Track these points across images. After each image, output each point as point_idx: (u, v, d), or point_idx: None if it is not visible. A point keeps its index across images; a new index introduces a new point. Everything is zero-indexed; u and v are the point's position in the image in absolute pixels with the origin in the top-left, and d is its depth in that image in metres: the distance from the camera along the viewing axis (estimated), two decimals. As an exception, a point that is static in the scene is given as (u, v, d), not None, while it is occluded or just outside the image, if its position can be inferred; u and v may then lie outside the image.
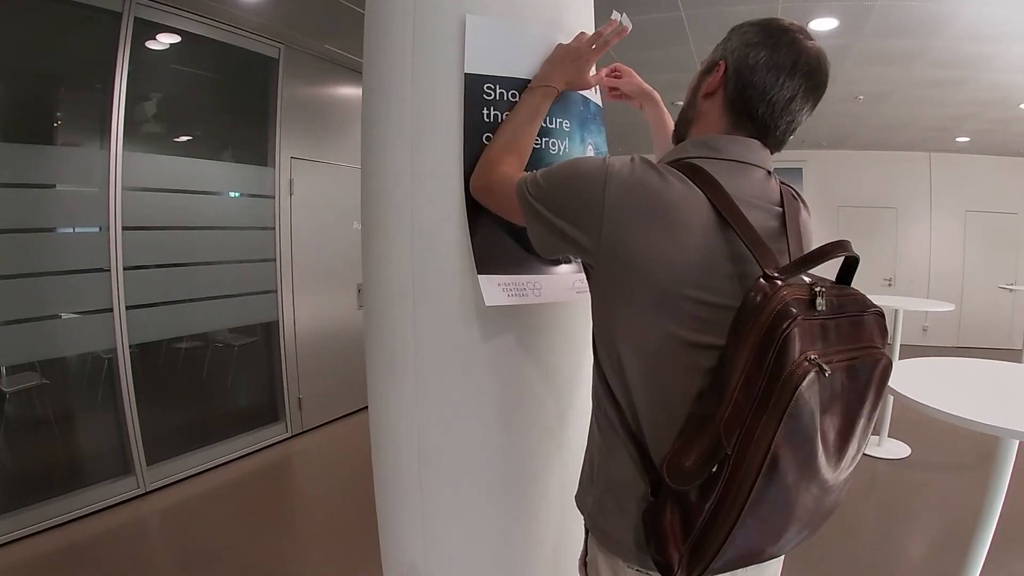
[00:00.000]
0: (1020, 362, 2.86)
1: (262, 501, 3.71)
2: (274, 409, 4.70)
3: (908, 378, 2.25)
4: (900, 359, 3.69)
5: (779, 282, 0.77)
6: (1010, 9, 3.53)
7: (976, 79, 4.90)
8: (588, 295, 1.35)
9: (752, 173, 0.96)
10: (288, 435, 4.69)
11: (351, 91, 5.17)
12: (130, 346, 3.58)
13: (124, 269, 3.53)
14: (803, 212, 1.03)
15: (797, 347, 0.73)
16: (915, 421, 1.99)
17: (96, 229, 3.48)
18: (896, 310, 4.47)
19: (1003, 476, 2.10)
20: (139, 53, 3.62)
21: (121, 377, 3.55)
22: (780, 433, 0.72)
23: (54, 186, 3.35)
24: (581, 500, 1.08)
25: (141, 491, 3.63)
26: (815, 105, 0.98)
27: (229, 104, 4.60)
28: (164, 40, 3.86)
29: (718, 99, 0.99)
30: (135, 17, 3.52)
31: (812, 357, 0.72)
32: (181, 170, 3.95)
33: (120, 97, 3.48)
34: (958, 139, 7.49)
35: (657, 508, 0.86)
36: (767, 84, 0.93)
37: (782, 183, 1.02)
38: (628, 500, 0.94)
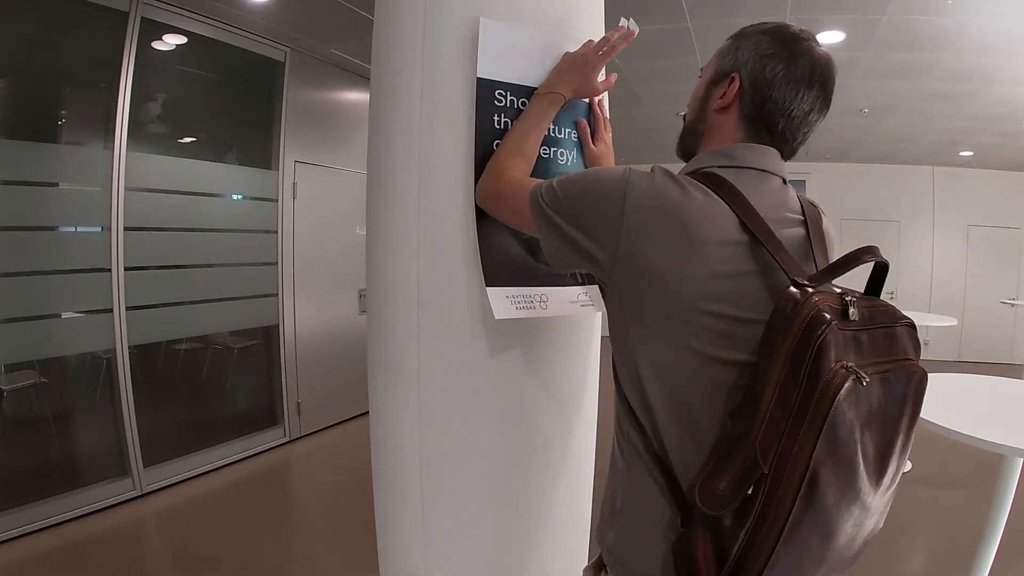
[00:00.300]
0: (1021, 378, 2.85)
1: (259, 505, 3.68)
2: (273, 413, 4.68)
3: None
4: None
5: (810, 289, 0.75)
6: (1019, 22, 3.53)
7: (984, 92, 4.91)
8: (592, 308, 1.35)
9: (771, 181, 0.94)
10: (286, 440, 4.66)
11: (357, 96, 5.17)
12: (129, 347, 3.56)
13: (125, 269, 3.52)
14: (824, 220, 1.01)
15: (833, 354, 0.70)
16: (916, 435, 1.99)
17: (98, 229, 3.47)
18: (899, 324, 4.45)
19: (1007, 493, 2.09)
20: (145, 53, 3.62)
21: (120, 378, 3.53)
22: (820, 447, 0.68)
23: (57, 184, 3.34)
24: (601, 535, 1.02)
25: (137, 493, 3.61)
26: (827, 112, 0.96)
27: (234, 106, 4.60)
28: (170, 41, 3.87)
29: (733, 113, 0.96)
30: (142, 17, 3.53)
31: (849, 365, 0.70)
32: (184, 171, 3.94)
33: (125, 97, 3.49)
34: (962, 153, 7.50)
35: (688, 538, 0.81)
36: (787, 98, 0.91)
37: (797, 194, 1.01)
38: (654, 531, 0.89)
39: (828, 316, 0.71)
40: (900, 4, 3.38)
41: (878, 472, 0.77)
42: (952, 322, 4.58)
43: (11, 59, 3.28)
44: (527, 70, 1.23)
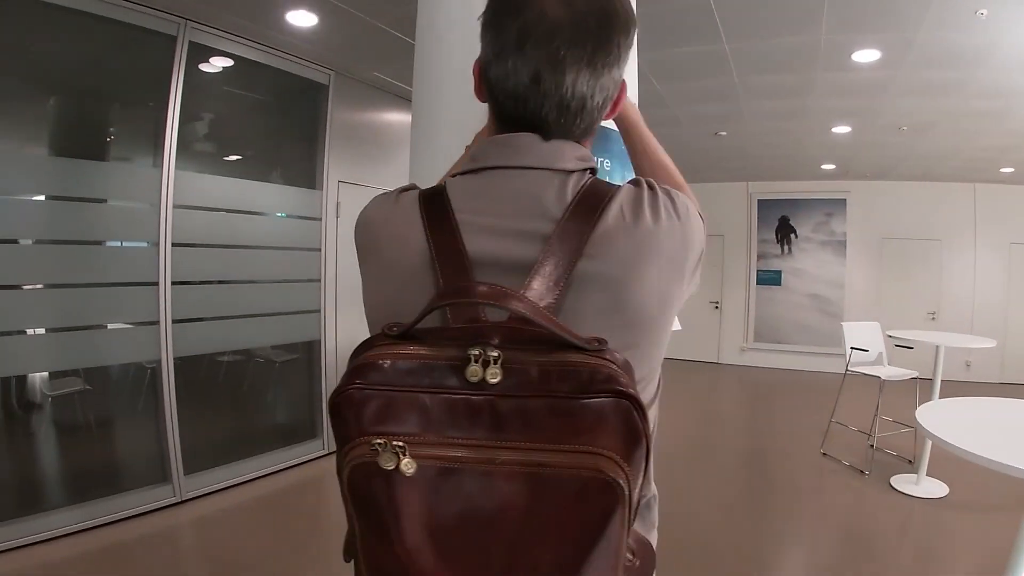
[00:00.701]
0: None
1: (295, 516, 3.75)
2: (312, 426, 4.77)
3: (947, 418, 2.21)
4: (940, 397, 3.62)
5: (387, 339, 0.59)
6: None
7: (1021, 108, 4.82)
8: None
9: (517, 180, 0.74)
10: (324, 452, 4.73)
11: (398, 117, 5.31)
12: (174, 358, 3.69)
13: (172, 284, 3.66)
14: (612, 221, 0.70)
15: (357, 422, 0.55)
16: (954, 459, 1.94)
17: (146, 244, 3.61)
18: (937, 346, 4.38)
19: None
20: (193, 75, 3.78)
21: (164, 388, 3.66)
22: (362, 528, 0.57)
23: (105, 201, 3.50)
24: None
25: (177, 499, 3.71)
26: (607, 52, 0.72)
27: (279, 127, 4.74)
28: (217, 64, 4.03)
29: (489, 104, 0.81)
30: (190, 41, 3.69)
31: (377, 442, 0.54)
32: (230, 190, 4.08)
33: (174, 117, 3.64)
34: (1003, 169, 7.33)
35: None
36: (501, 75, 0.73)
37: (598, 181, 0.74)
38: None
39: (358, 380, 0.56)
40: (933, 21, 3.37)
41: None
42: (991, 344, 4.47)
43: (65, 80, 3.46)
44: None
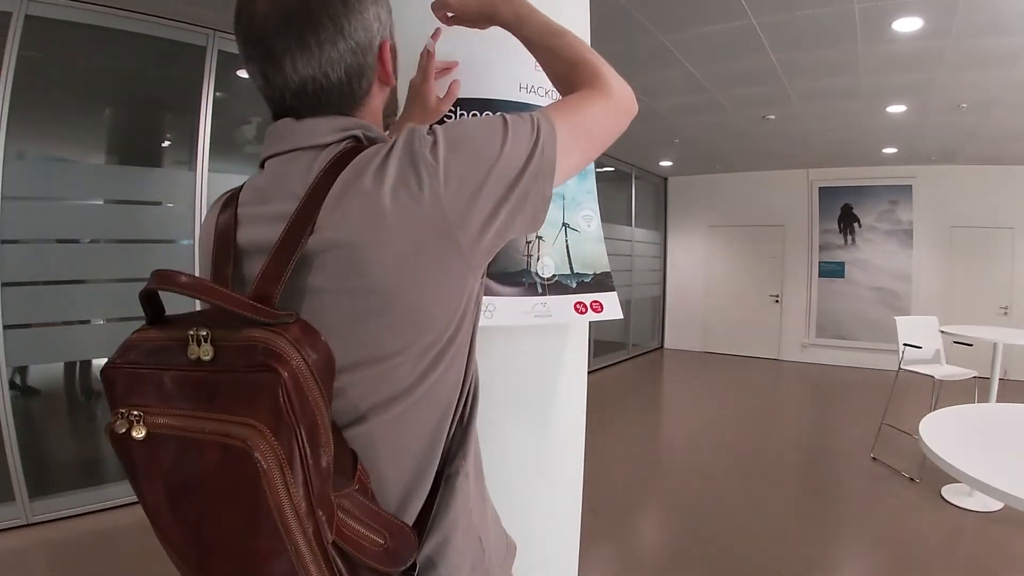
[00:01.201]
0: None
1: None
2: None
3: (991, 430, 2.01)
4: (1001, 399, 3.33)
5: (144, 325, 0.67)
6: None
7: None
8: (551, 320, 1.32)
9: (280, 166, 0.76)
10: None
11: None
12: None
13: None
14: (339, 189, 0.69)
15: (116, 396, 0.64)
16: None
17: (186, 242, 3.84)
18: (995, 343, 4.06)
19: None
20: (223, 82, 3.96)
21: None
22: (131, 486, 0.66)
23: (160, 203, 3.78)
24: None
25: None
26: (317, 30, 0.72)
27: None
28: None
29: None
30: (218, 50, 3.86)
31: (123, 411, 0.61)
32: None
33: (206, 123, 3.83)
34: (1081, 149, 6.73)
35: None
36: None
37: (352, 148, 0.73)
38: None
39: (117, 357, 0.65)
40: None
41: (197, 562, 0.64)
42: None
43: (111, 94, 3.75)
44: (474, 83, 1.24)
